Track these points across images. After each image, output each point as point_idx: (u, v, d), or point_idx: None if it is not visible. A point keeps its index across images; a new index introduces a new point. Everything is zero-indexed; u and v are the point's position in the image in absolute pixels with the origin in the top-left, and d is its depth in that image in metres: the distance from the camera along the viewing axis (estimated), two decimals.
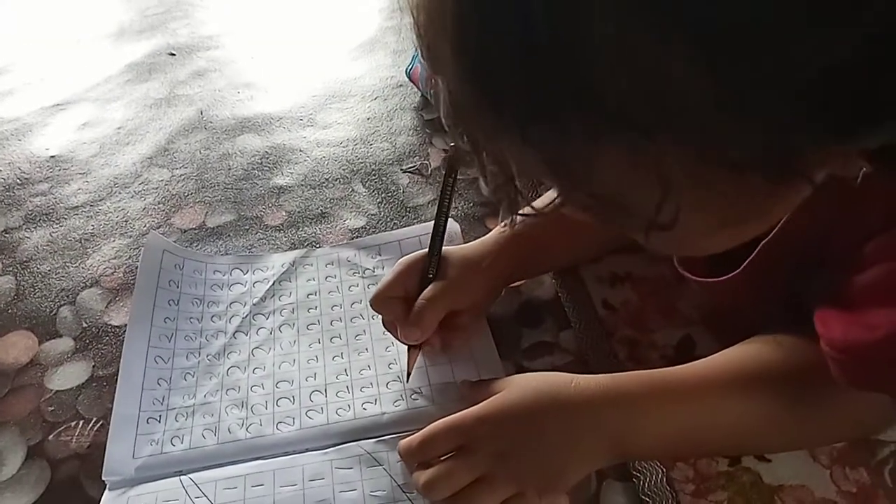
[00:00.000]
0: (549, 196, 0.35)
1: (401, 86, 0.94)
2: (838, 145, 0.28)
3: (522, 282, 0.62)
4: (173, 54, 1.08)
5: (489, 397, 0.48)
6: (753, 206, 0.33)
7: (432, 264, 0.54)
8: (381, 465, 0.49)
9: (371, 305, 0.55)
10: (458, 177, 0.53)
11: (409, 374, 0.55)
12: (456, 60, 0.28)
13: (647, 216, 0.31)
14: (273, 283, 0.65)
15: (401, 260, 0.55)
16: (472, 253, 0.57)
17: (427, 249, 0.55)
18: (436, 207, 0.54)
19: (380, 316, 0.59)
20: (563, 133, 0.28)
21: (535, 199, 0.41)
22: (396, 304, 0.54)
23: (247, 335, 0.60)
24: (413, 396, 0.54)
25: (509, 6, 0.25)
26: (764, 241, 0.43)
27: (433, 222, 0.54)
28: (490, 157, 0.33)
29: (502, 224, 0.39)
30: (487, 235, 0.59)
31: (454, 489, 0.45)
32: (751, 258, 0.44)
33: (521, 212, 0.37)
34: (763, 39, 0.24)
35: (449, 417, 0.47)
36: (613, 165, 0.29)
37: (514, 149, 0.31)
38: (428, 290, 0.53)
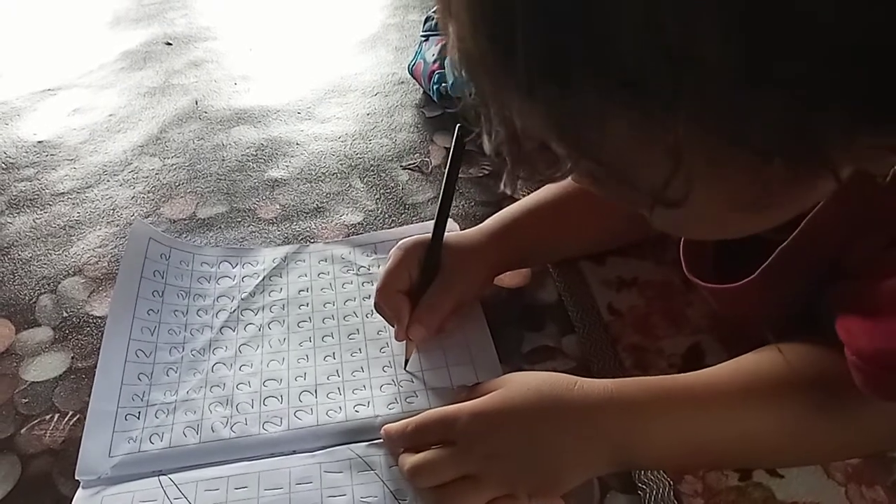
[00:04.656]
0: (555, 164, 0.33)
1: (402, 82, 0.92)
2: (869, 136, 0.26)
3: (523, 283, 0.60)
4: (170, 44, 1.05)
5: (483, 395, 0.46)
6: (769, 195, 0.31)
7: (435, 251, 0.52)
8: (372, 469, 0.47)
9: (377, 297, 0.53)
10: (461, 173, 0.51)
11: (406, 361, 0.53)
12: (469, 8, 0.27)
13: (654, 190, 0.29)
14: (263, 279, 0.62)
15: (399, 245, 0.54)
16: (469, 241, 0.55)
17: (426, 235, 0.53)
18: (436, 204, 0.52)
19: (375, 315, 0.56)
20: (575, 94, 0.26)
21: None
22: (400, 300, 0.52)
23: (234, 331, 0.57)
24: (408, 399, 0.51)
25: None
26: (781, 247, 0.41)
27: (438, 205, 0.52)
28: (496, 113, 0.31)
29: (504, 187, 0.38)
30: (486, 221, 0.58)
31: (437, 482, 0.44)
32: (767, 264, 0.42)
33: (522, 175, 0.35)
34: (794, 8, 0.22)
35: (444, 408, 0.46)
36: (625, 133, 0.28)
37: (523, 106, 0.29)
38: (434, 289, 0.52)
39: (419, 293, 0.52)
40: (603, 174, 0.31)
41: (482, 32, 0.27)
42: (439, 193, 0.52)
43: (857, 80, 0.24)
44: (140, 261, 0.60)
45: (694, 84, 0.24)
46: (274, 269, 0.63)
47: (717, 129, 0.26)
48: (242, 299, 0.60)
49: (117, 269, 0.63)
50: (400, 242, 0.54)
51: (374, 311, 0.55)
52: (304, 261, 0.64)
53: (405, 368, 0.53)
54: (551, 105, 0.28)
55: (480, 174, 0.74)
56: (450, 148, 0.50)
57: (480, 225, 0.57)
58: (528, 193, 0.59)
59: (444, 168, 0.52)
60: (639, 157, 0.29)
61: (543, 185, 0.40)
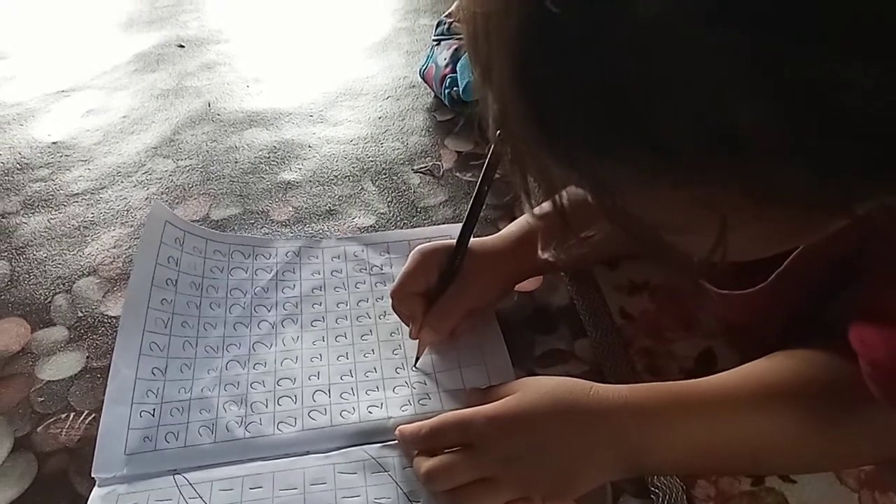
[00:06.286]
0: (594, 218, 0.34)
1: (413, 86, 0.93)
2: None
3: (535, 287, 0.60)
4: (182, 46, 1.06)
5: (498, 399, 0.46)
6: (801, 228, 0.32)
7: (458, 258, 0.53)
8: (386, 471, 0.47)
9: (392, 299, 0.54)
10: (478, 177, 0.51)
11: (417, 359, 0.54)
12: (514, 85, 0.27)
13: (697, 250, 0.30)
14: (276, 273, 0.62)
15: (418, 249, 0.54)
16: (488, 248, 0.55)
17: (448, 241, 0.54)
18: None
19: (388, 316, 0.57)
20: (619, 170, 0.27)
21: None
22: (415, 301, 0.53)
23: (247, 327, 0.57)
24: (422, 401, 0.51)
25: (576, 42, 0.24)
26: (794, 254, 0.41)
27: (466, 213, 0.52)
28: (537, 178, 0.32)
29: (544, 253, 0.40)
30: (506, 228, 0.58)
31: (453, 485, 0.44)
32: (780, 270, 0.42)
33: (565, 240, 0.37)
34: (847, 95, 0.22)
35: (460, 412, 0.46)
36: (667, 203, 0.28)
37: (565, 175, 0.30)
38: (448, 293, 0.52)
39: (437, 296, 0.53)
40: (644, 236, 0.32)
41: (525, 110, 0.27)
42: (470, 198, 0.52)
43: (890, 158, 0.24)
44: (156, 244, 0.60)
45: (740, 161, 0.24)
46: (287, 263, 0.63)
47: (760, 196, 0.26)
48: (255, 294, 0.60)
49: (132, 269, 0.63)
50: (419, 247, 0.54)
51: (389, 311, 0.56)
52: (316, 257, 0.64)
53: (414, 366, 0.54)
54: (595, 177, 0.28)
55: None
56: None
57: (500, 232, 0.57)
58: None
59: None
60: (681, 223, 0.30)
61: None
